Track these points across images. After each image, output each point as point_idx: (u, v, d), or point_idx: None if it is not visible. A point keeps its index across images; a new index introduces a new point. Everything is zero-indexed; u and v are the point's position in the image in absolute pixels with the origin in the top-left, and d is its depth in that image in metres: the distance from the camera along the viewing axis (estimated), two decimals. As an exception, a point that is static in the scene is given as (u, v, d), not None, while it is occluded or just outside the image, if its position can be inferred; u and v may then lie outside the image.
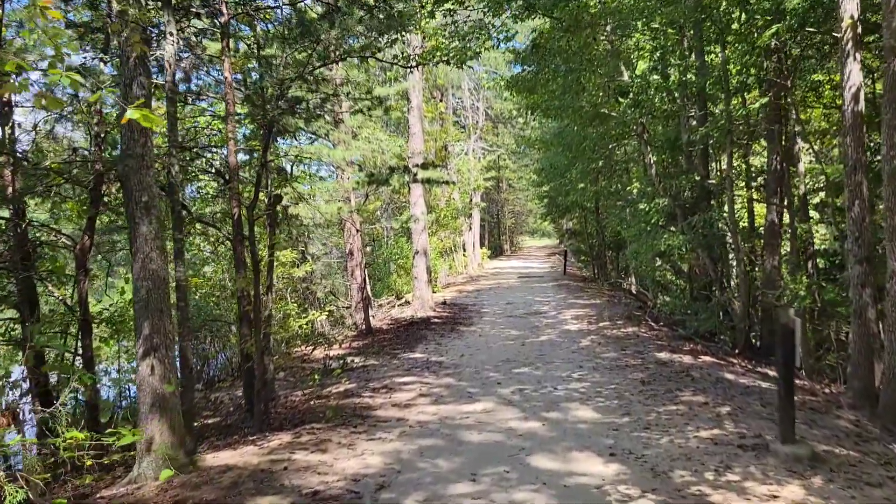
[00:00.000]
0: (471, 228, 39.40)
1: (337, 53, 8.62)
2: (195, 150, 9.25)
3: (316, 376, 11.36)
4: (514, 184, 58.32)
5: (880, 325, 8.36)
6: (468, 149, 39.24)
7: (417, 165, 15.06)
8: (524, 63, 16.61)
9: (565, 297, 22.44)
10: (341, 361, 12.31)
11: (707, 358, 11.14)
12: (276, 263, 14.85)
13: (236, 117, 8.87)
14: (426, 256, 19.49)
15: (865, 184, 8.59)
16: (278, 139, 14.28)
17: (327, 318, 19.02)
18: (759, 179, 16.37)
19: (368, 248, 30.02)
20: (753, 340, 13.58)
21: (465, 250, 39.46)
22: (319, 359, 13.75)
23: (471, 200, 37.89)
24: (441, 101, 34.32)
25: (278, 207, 11.68)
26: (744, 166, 14.95)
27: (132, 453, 6.64)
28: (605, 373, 10.27)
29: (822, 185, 18.17)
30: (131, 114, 3.27)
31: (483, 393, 9.31)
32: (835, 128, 16.09)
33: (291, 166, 17.90)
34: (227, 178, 8.87)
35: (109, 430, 4.55)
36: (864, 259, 8.59)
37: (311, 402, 9.57)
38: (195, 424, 9.56)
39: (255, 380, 8.39)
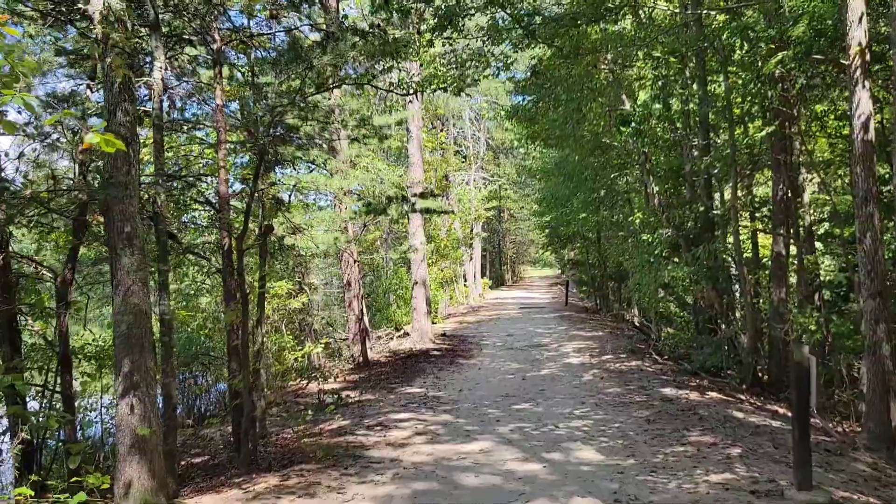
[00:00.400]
0: (472, 258, 39.14)
1: (331, 81, 8.40)
2: (187, 178, 8.98)
3: (309, 412, 10.98)
4: (516, 214, 58.21)
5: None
6: (469, 179, 39.14)
7: (416, 195, 14.83)
8: (524, 93, 16.47)
9: (567, 329, 22.08)
10: (336, 397, 11.93)
11: (714, 394, 10.77)
12: (270, 295, 14.55)
13: (229, 146, 8.63)
14: (425, 287, 19.17)
15: (877, 215, 8.31)
16: (276, 168, 14.09)
17: (324, 350, 18.67)
18: (764, 210, 16.14)
19: (368, 279, 29.77)
20: (761, 375, 13.20)
21: (465, 280, 39.16)
22: (314, 393, 13.36)
23: (471, 230, 37.68)
24: (442, 131, 34.29)
25: (272, 237, 11.43)
26: (748, 197, 14.70)
27: (110, 498, 6.27)
28: (609, 410, 9.89)
29: (825, 215, 17.93)
30: (92, 138, 3.00)
31: (481, 431, 8.93)
32: (839, 158, 15.87)
33: (289, 196, 17.71)
34: (218, 207, 8.60)
35: (75, 479, 4.21)
36: (878, 293, 8.27)
37: (303, 441, 9.18)
38: (181, 464, 9.18)
39: (243, 418, 8.03)
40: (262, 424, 10.20)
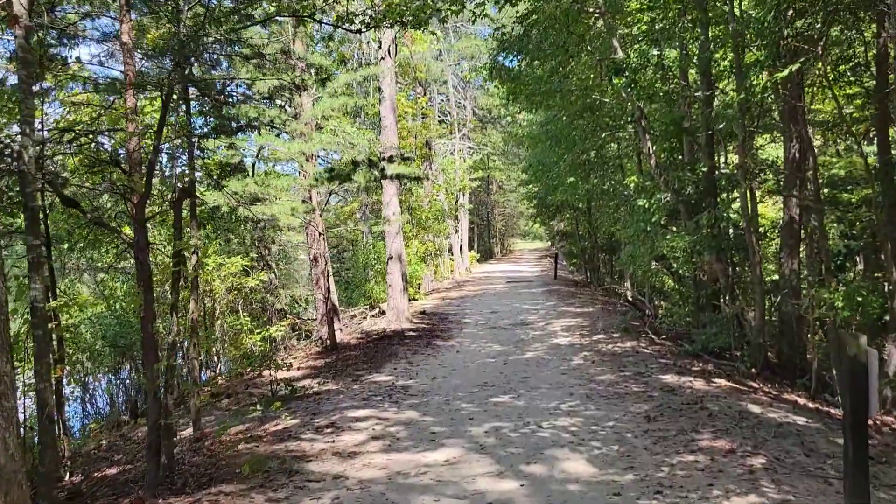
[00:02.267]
0: (457, 231, 37.59)
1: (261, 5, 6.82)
2: (80, 132, 7.39)
3: (258, 407, 9.49)
4: (505, 185, 56.68)
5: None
6: (454, 148, 37.47)
7: (384, 159, 13.23)
8: (506, 50, 14.80)
9: (555, 305, 20.65)
10: (290, 388, 10.45)
11: (722, 381, 9.34)
12: (223, 272, 12.99)
13: (136, 89, 7.03)
14: (401, 262, 17.64)
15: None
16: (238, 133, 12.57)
17: (294, 331, 17.18)
18: (769, 174, 14.64)
19: (349, 253, 28.25)
20: (771, 356, 11.81)
21: (451, 254, 37.67)
22: (277, 380, 11.89)
23: (456, 201, 36.09)
24: (423, 96, 32.52)
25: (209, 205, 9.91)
26: (753, 159, 13.18)
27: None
28: (601, 403, 8.45)
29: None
30: None
31: (450, 434, 7.48)
32: (856, 112, 14.35)
33: (253, 163, 16.08)
34: (126, 169, 7.01)
35: None
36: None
37: (239, 446, 7.71)
38: (95, 476, 7.72)
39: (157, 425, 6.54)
40: (197, 425, 8.75)
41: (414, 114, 29.72)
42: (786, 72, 7.99)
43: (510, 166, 44.24)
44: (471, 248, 51.17)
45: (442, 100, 38.92)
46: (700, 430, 6.91)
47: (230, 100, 11.28)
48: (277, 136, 14.42)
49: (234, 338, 13.83)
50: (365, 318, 18.17)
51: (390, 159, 13.40)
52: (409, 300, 24.47)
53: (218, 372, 14.13)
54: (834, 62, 10.12)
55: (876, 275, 20.00)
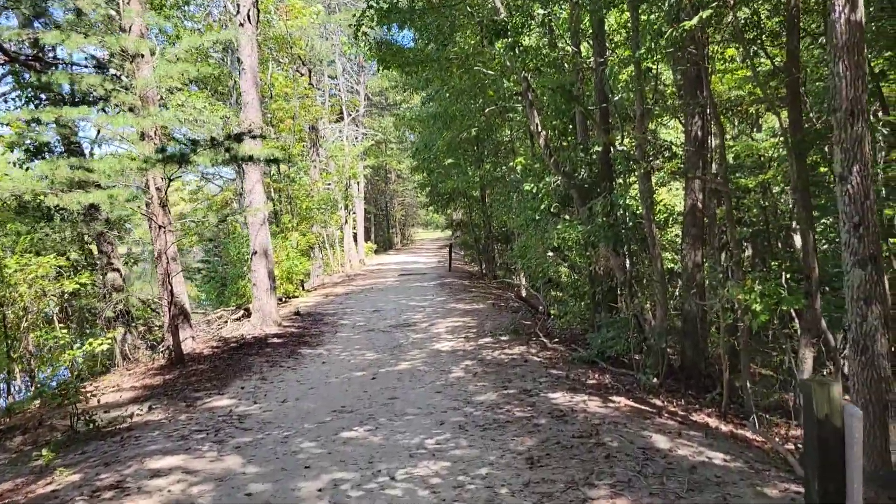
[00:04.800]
0: (346, 222, 35.45)
1: None
2: None
3: (43, 452, 7.30)
4: (403, 174, 54.91)
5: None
6: (344, 133, 35.29)
7: (231, 137, 11.11)
8: (382, 22, 12.89)
9: (445, 301, 19.01)
10: (90, 424, 8.25)
11: (621, 401, 7.83)
12: (30, 276, 10.57)
13: None
14: (267, 258, 15.50)
15: (868, 138, 5.42)
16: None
17: (143, 341, 14.78)
18: (672, 152, 13.41)
19: (219, 247, 25.66)
20: (673, 358, 10.53)
21: (342, 246, 35.55)
22: (92, 409, 9.58)
23: (346, 188, 33.93)
24: (307, 76, 30.10)
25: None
26: (650, 136, 11.86)
27: None
28: (477, 437, 6.75)
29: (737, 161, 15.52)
30: None
31: (272, 496, 5.58)
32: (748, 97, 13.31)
33: (93, 144, 13.55)
34: None
35: None
36: (870, 258, 5.41)
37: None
38: None
39: None
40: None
41: (295, 94, 27.32)
42: (695, 20, 6.47)
43: (404, 153, 42.44)
44: (368, 238, 49.15)
45: (333, 83, 36.64)
46: (595, 481, 5.28)
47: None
48: (103, 110, 12.05)
49: (55, 353, 11.41)
50: (226, 321, 15.91)
51: (237, 137, 11.26)
52: (288, 298, 22.33)
53: (27, 397, 11.65)
54: (741, 27, 8.76)
55: (772, 263, 19.40)
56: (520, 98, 12.07)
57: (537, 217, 10.50)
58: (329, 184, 31.49)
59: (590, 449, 6.03)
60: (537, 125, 10.65)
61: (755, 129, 19.09)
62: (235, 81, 17.28)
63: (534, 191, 10.06)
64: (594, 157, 10.85)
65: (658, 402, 7.87)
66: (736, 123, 19.78)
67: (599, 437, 6.32)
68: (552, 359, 10.41)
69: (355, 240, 39.11)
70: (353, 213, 38.48)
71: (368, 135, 39.76)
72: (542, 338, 11.81)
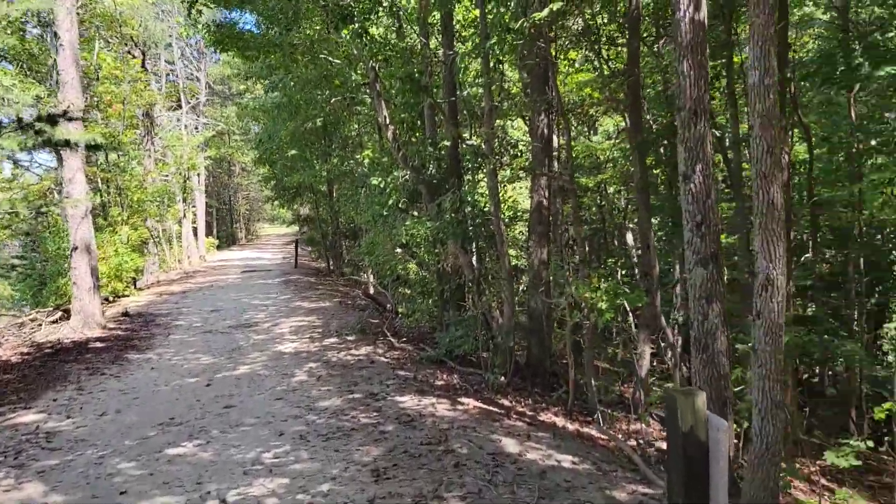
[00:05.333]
0: (185, 215, 33.44)
1: None
2: None
3: None
4: (248, 167, 52.74)
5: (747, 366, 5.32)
6: (182, 122, 33.22)
7: (44, 119, 9.86)
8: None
9: (290, 299, 18.22)
10: None
11: (470, 402, 7.62)
12: None
13: None
14: (90, 254, 14.08)
15: (710, 138, 5.48)
16: None
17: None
18: (514, 152, 13.51)
19: (36, 242, 23.26)
20: (520, 355, 10.54)
21: (181, 241, 33.47)
22: None
23: (184, 181, 31.95)
24: (141, 59, 27.94)
25: None
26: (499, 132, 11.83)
27: None
28: (319, 447, 6.27)
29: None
30: None
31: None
32: (597, 94, 13.69)
33: None
34: None
35: None
36: (711, 257, 5.48)
37: None
38: None
39: None
40: None
41: (126, 77, 25.22)
42: (545, 12, 6.34)
43: (249, 144, 40.72)
44: (210, 233, 46.77)
45: (171, 68, 34.38)
46: (445, 493, 4.97)
47: None
48: None
49: None
50: (41, 325, 14.28)
51: (51, 119, 10.02)
52: (117, 297, 20.56)
53: None
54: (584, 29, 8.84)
55: (608, 260, 20.25)
56: (368, 89, 11.63)
57: (385, 213, 10.14)
58: (166, 175, 29.50)
59: (439, 457, 5.73)
60: (385, 118, 10.27)
61: (593, 132, 19.86)
62: (55, 60, 15.58)
63: (381, 185, 9.70)
64: (443, 152, 10.65)
65: (506, 403, 7.74)
66: (575, 125, 20.51)
67: (448, 443, 6.04)
68: (400, 359, 10.09)
69: (195, 235, 37.03)
70: (193, 206, 36.42)
71: (210, 125, 37.77)
72: (390, 337, 11.47)
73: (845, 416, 13.69)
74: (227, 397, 8.40)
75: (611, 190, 19.19)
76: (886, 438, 10.27)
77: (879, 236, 15.11)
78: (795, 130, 13.00)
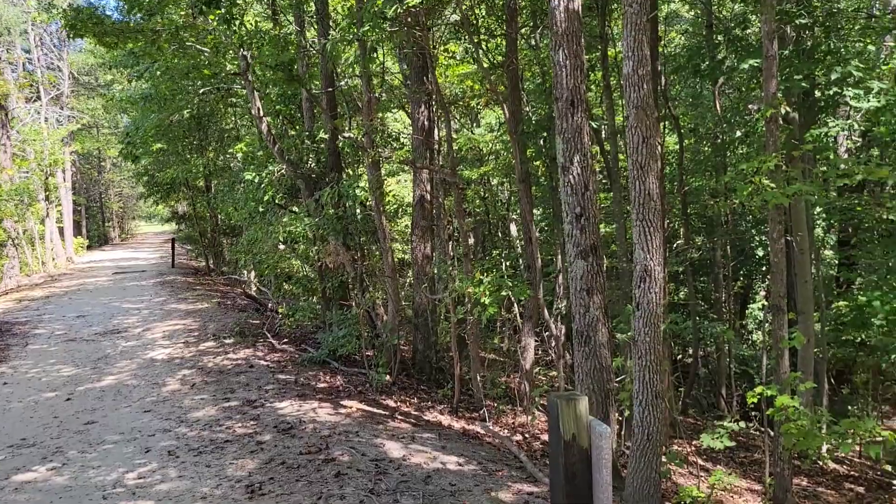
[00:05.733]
0: (49, 214, 31.16)
1: None
2: None
3: None
4: (118, 162, 49.82)
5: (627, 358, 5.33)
6: (42, 115, 30.87)
7: None
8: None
9: (165, 301, 17.23)
10: None
11: (353, 405, 7.35)
12: None
13: None
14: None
15: (587, 129, 5.45)
16: None
17: None
18: (396, 145, 13.29)
19: None
20: (405, 354, 10.36)
21: (45, 241, 31.15)
22: None
23: (46, 178, 29.72)
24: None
25: None
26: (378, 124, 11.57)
27: None
28: (189, 464, 5.82)
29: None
30: None
31: None
32: (477, 86, 13.70)
33: None
34: None
35: None
36: (591, 249, 5.46)
37: None
38: None
39: None
40: None
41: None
42: (418, -2, 6.13)
43: (118, 137, 38.41)
44: (78, 233, 43.84)
45: (29, 57, 31.86)
46: (323, 507, 4.69)
47: None
48: None
49: None
50: None
51: None
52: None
53: None
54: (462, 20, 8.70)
55: (493, 252, 20.42)
56: (235, 74, 11.05)
57: (261, 209, 9.67)
58: (26, 172, 27.34)
59: (318, 467, 5.43)
60: (259, 109, 9.77)
61: (476, 124, 19.96)
62: None
63: (256, 180, 9.22)
64: (322, 145, 10.28)
65: (391, 403, 7.53)
66: (458, 118, 20.52)
67: (329, 451, 5.75)
68: (281, 362, 9.66)
69: (62, 235, 34.58)
70: (59, 204, 33.98)
71: (75, 117, 35.34)
72: (271, 339, 11.00)
73: (717, 394, 14.40)
74: (89, 412, 7.73)
75: (494, 182, 19.33)
76: (755, 414, 10.77)
77: (743, 223, 15.95)
78: (666, 123, 13.50)
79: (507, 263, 18.06)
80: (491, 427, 7.38)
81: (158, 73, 13.16)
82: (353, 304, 9.83)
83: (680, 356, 16.19)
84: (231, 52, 9.53)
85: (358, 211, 9.87)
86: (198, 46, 10.49)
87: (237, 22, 8.43)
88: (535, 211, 16.47)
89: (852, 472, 9.11)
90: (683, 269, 14.55)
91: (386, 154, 9.26)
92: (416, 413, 7.23)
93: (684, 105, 16.04)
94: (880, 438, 4.82)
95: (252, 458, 5.83)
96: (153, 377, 9.23)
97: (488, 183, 18.97)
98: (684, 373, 14.27)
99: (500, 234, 20.02)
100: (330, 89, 9.69)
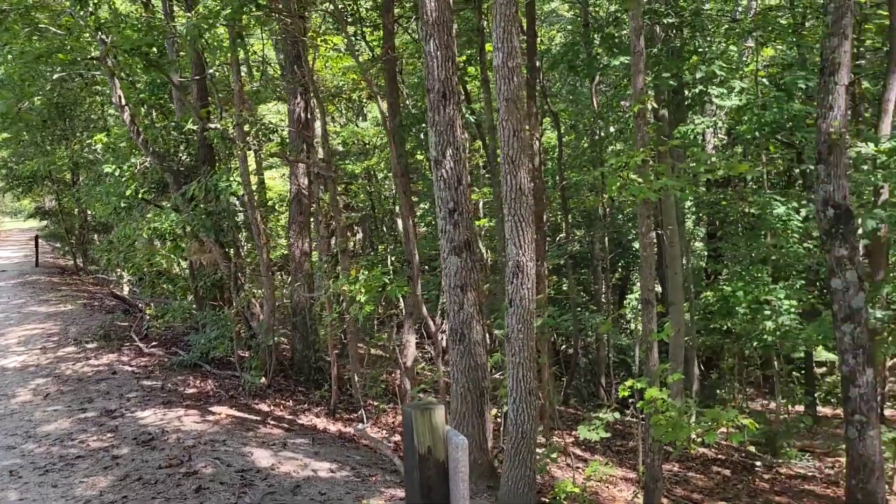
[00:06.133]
0: None
1: None
2: None
3: None
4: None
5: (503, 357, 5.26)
6: None
7: None
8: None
9: (24, 303, 15.95)
10: None
11: (223, 411, 6.96)
12: None
13: None
14: None
15: (460, 122, 5.33)
16: None
17: None
18: (272, 138, 12.84)
19: None
20: (284, 353, 10.02)
21: None
22: None
23: None
24: None
25: None
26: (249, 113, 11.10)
27: None
28: (32, 484, 5.29)
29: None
30: None
31: None
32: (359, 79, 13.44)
33: None
34: None
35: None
36: (465, 245, 5.35)
37: None
38: None
39: None
40: None
41: None
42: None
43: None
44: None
45: None
46: (179, 526, 4.36)
47: None
48: None
49: None
50: None
51: None
52: None
53: None
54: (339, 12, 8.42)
55: (379, 247, 20.20)
56: (94, 59, 10.30)
57: (123, 204, 9.04)
58: None
59: (178, 482, 5.06)
60: (120, 97, 9.08)
61: (362, 118, 19.67)
62: None
63: (116, 173, 8.60)
64: (193, 137, 9.74)
65: (264, 407, 7.20)
66: (344, 111, 20.15)
67: (192, 462, 5.38)
68: (148, 366, 9.08)
69: None
70: None
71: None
72: (139, 342, 10.34)
73: (597, 383, 14.82)
74: (-77, 431, 6.96)
75: (380, 176, 19.09)
76: (632, 401, 11.11)
77: (621, 216, 16.47)
78: (547, 119, 13.71)
79: (393, 259, 17.90)
80: (368, 429, 7.19)
81: (10, 56, 12.09)
82: (228, 303, 9.37)
83: (564, 346, 16.56)
84: (87, 35, 8.83)
85: (231, 206, 9.41)
86: (53, 28, 9.69)
87: (93, 2, 7.79)
88: (422, 205, 16.38)
89: (720, 456, 9.55)
90: (564, 262, 14.86)
91: (256, 146, 8.85)
92: (290, 417, 6.94)
93: (564, 102, 16.39)
94: (741, 425, 4.98)
95: (105, 474, 5.37)
96: (1, 388, 8.46)
97: (374, 177, 18.72)
98: (566, 363, 14.58)
99: (385, 229, 19.81)
100: (199, 77, 9.17)
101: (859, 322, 5.57)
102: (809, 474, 8.89)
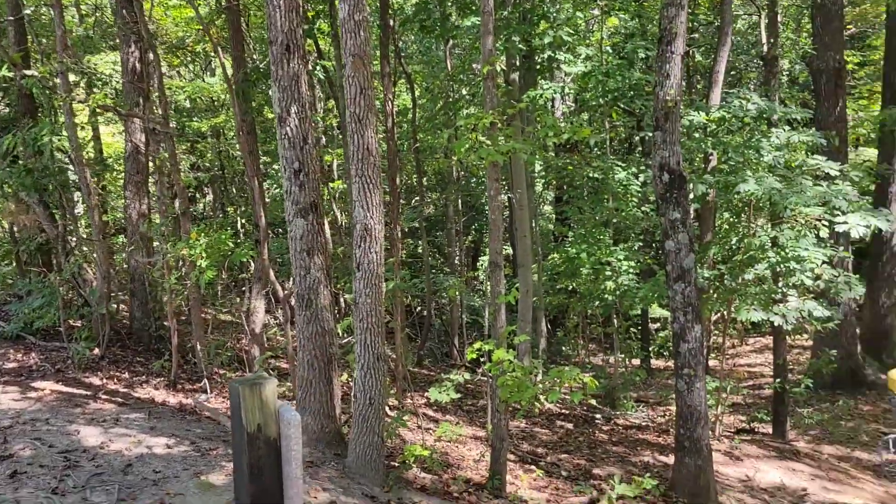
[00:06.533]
0: None
1: None
2: None
3: None
4: None
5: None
6: None
7: None
8: None
9: None
10: None
11: (47, 387, 6.39)
12: None
13: None
14: None
15: (305, 77, 5.06)
16: None
17: None
18: (106, 90, 11.84)
19: None
20: (122, 321, 9.39)
21: None
22: None
23: None
24: None
25: None
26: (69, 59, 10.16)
27: None
28: None
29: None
30: None
31: None
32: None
33: None
34: None
35: None
36: (311, 207, 5.14)
37: None
38: None
39: None
40: None
41: None
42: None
43: None
44: None
45: None
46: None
47: None
48: None
49: None
50: None
51: None
52: None
53: None
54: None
55: (229, 209, 19.37)
56: None
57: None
58: None
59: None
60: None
61: (210, 73, 18.59)
62: None
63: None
64: (12, 86, 8.77)
65: (96, 381, 6.69)
66: (190, 65, 18.93)
67: (7, 445, 4.88)
68: (-40, 341, 8.20)
69: None
70: None
71: None
72: (-50, 313, 9.31)
73: (451, 344, 15.07)
74: None
75: (230, 135, 18.19)
76: (482, 359, 11.37)
77: (474, 180, 16.69)
78: (402, 81, 13.53)
79: (244, 221, 17.19)
80: (212, 399, 6.87)
81: None
82: (57, 269, 8.61)
83: (419, 308, 16.68)
84: None
85: (56, 163, 8.58)
86: None
87: None
88: (275, 165, 15.77)
89: (564, 411, 9.99)
90: (419, 224, 14.89)
91: (81, 98, 8.09)
92: (125, 390, 6.49)
93: (420, 64, 16.25)
94: (583, 383, 5.17)
95: None
96: None
97: (223, 136, 17.83)
98: (420, 325, 14.70)
99: (235, 191, 18.98)
100: (14, 16, 8.23)
101: (689, 281, 5.92)
102: (643, 424, 9.49)
